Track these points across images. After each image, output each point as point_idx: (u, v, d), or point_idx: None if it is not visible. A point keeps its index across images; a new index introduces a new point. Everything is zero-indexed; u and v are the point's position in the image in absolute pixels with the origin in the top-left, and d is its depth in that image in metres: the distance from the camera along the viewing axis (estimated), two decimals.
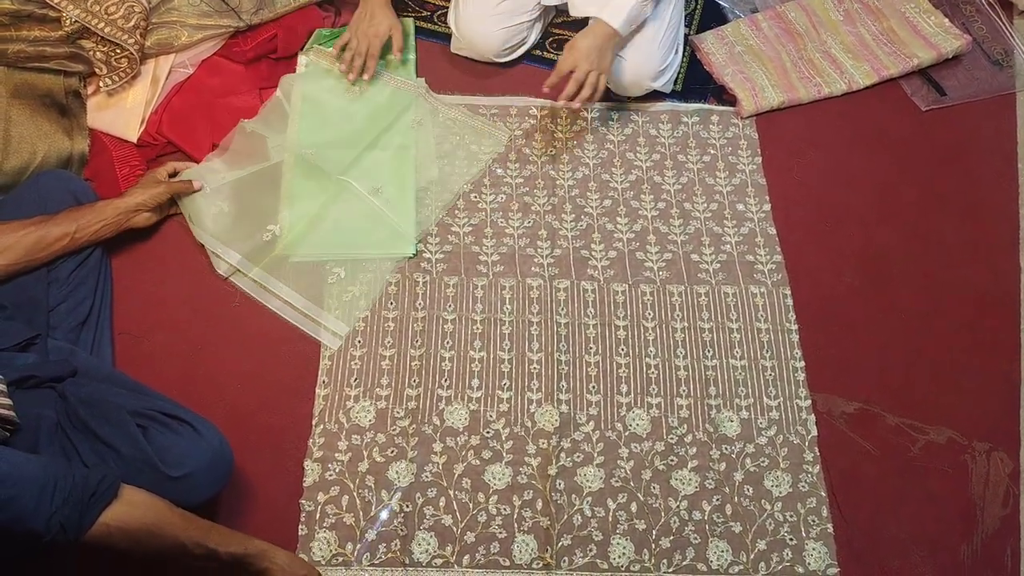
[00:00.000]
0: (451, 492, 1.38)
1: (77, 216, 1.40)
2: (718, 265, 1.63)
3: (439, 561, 1.32)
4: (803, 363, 1.52)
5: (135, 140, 1.64)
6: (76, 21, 1.56)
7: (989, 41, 1.91)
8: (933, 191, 1.72)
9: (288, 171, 1.64)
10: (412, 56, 1.85)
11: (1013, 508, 1.41)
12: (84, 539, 1.03)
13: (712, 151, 1.78)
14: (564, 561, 1.33)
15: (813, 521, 1.38)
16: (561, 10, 1.79)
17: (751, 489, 1.40)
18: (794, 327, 1.56)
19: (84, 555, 1.18)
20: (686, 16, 1.91)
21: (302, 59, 1.80)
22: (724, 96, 1.85)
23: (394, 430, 1.43)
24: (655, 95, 1.81)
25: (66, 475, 1.03)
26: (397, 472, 1.39)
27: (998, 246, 1.66)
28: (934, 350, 1.54)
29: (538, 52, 1.89)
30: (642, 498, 1.39)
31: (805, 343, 1.54)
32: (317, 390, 1.46)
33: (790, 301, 1.58)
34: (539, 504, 1.37)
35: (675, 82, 1.84)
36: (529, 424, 1.45)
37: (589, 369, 1.50)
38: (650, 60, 1.67)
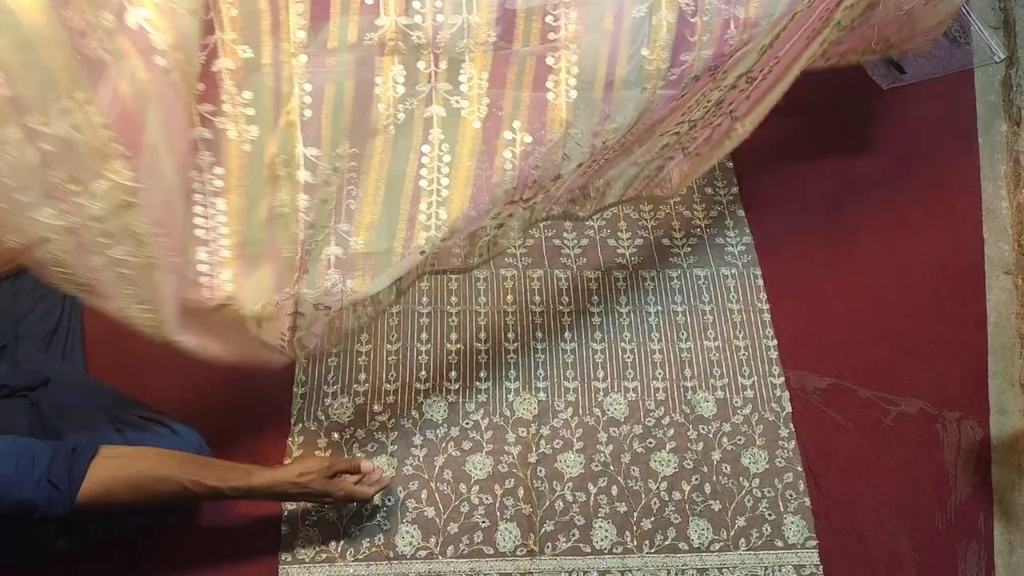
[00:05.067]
0: (433, 484, 1.38)
1: None
2: (689, 248, 1.65)
3: (423, 553, 1.33)
4: (775, 342, 1.54)
5: None
6: None
7: None
8: (896, 168, 1.75)
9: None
10: None
11: (984, 474, 1.44)
12: (82, 500, 1.02)
13: None
14: (548, 547, 1.34)
15: (790, 496, 1.40)
16: None
17: (729, 467, 1.42)
18: (765, 307, 1.58)
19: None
20: None
21: None
22: None
23: (373, 425, 1.43)
24: None
25: (40, 446, 1.03)
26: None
27: (961, 219, 1.70)
28: (902, 323, 1.57)
29: None
30: (622, 481, 1.40)
31: (776, 322, 1.56)
32: (294, 389, 1.46)
33: (760, 282, 1.60)
34: (520, 492, 1.38)
35: None
36: (508, 413, 1.46)
37: (565, 356, 1.51)
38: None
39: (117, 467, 1.08)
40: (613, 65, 1.03)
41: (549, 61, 1.02)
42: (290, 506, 1.35)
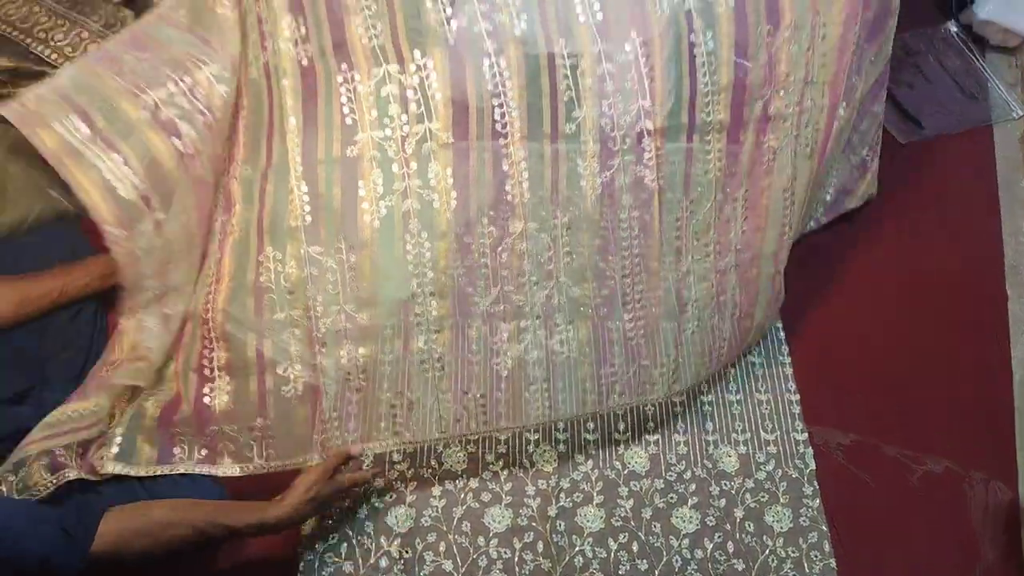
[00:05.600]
0: (451, 536, 1.37)
1: (66, 271, 1.41)
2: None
3: None
4: (798, 396, 1.53)
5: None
6: None
7: (963, 75, 1.96)
8: (917, 222, 1.75)
9: None
10: None
11: (1013, 537, 1.41)
12: (97, 551, 1.01)
13: None
14: None
15: (816, 556, 1.37)
16: None
17: (752, 525, 1.40)
18: (787, 360, 1.57)
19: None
20: None
21: None
22: None
23: (392, 474, 1.42)
24: None
25: (49, 507, 1.03)
26: (396, 517, 1.38)
27: (983, 275, 1.69)
28: (927, 380, 1.56)
29: None
30: (643, 537, 1.38)
31: (799, 376, 1.55)
32: (315, 436, 1.45)
33: (782, 335, 1.60)
34: (540, 546, 1.36)
35: None
36: (527, 464, 1.44)
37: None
38: None
39: (129, 516, 1.08)
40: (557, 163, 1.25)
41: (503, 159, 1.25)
42: (307, 556, 1.33)
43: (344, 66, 1.19)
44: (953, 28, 2.02)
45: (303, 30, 1.17)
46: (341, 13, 1.16)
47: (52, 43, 1.60)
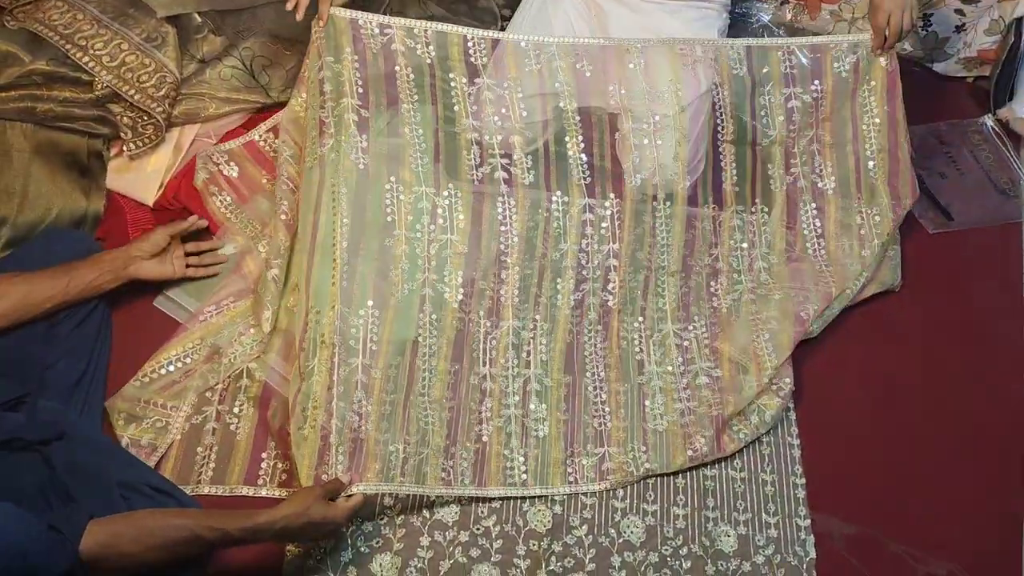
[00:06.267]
0: None
1: (71, 267, 1.39)
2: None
3: None
4: (804, 480, 1.49)
5: (151, 204, 1.66)
6: (107, 86, 1.60)
7: (996, 170, 1.95)
8: (939, 314, 1.72)
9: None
10: None
11: None
12: (87, 551, 1.00)
13: None
14: None
15: None
16: None
17: None
18: (796, 442, 1.53)
19: None
20: None
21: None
22: None
23: (382, 519, 1.39)
24: None
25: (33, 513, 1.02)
26: (381, 565, 1.34)
27: (1005, 373, 1.65)
28: (937, 477, 1.51)
29: None
30: None
31: (807, 459, 1.51)
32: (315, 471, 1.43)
33: (793, 415, 1.56)
34: None
35: None
36: (520, 523, 1.41)
37: None
38: None
39: (119, 519, 1.07)
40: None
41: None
42: None
43: (393, 179, 1.59)
44: (990, 122, 2.01)
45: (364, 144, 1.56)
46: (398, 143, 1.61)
47: (91, 51, 1.62)
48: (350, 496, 1.28)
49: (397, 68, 1.56)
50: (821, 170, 1.73)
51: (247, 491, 1.40)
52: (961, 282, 1.78)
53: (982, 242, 1.84)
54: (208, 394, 1.49)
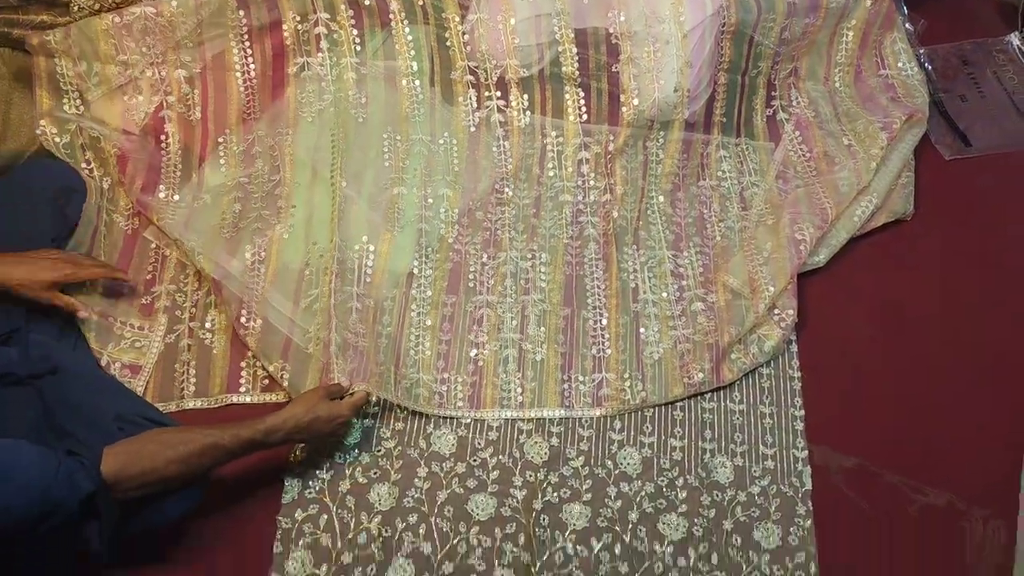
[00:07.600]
0: (432, 519, 1.34)
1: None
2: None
3: None
4: (803, 412, 1.48)
5: (137, 131, 1.60)
6: (84, 8, 1.53)
7: (1019, 92, 1.86)
8: (954, 241, 1.67)
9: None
10: None
11: None
12: (108, 472, 1.02)
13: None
14: None
15: None
16: None
17: (739, 539, 1.37)
18: (797, 374, 1.52)
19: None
20: None
21: None
22: None
23: (379, 451, 1.40)
24: None
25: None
26: (379, 495, 1.36)
27: (1020, 300, 1.61)
28: (942, 407, 1.50)
29: None
30: (627, 540, 1.35)
31: (807, 391, 1.50)
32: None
33: (795, 347, 1.54)
34: (521, 538, 1.34)
35: None
36: (517, 455, 1.41)
37: None
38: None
39: (134, 440, 1.09)
40: None
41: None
42: (285, 524, 1.32)
43: (391, 128, 1.69)
44: (1016, 40, 1.90)
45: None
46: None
47: None
48: (353, 394, 1.33)
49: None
50: (798, 101, 1.78)
51: (234, 399, 1.43)
52: (978, 210, 1.72)
53: (1001, 168, 1.77)
54: (178, 313, 1.50)
